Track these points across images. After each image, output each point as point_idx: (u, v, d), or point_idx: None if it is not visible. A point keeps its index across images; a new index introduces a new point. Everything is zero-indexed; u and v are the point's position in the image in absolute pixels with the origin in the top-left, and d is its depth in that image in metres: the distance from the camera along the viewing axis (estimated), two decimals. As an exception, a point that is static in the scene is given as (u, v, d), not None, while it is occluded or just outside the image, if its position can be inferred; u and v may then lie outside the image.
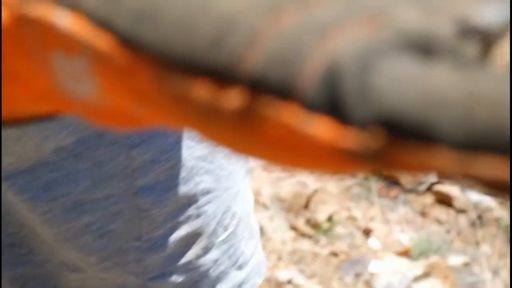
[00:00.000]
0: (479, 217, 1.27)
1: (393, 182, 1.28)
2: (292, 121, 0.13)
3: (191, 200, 0.46)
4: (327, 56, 0.13)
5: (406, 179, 1.28)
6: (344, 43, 0.13)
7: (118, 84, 0.16)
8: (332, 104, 0.13)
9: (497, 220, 1.28)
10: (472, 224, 1.26)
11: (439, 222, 1.27)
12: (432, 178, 1.26)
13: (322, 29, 0.14)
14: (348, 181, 1.28)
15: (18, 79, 0.19)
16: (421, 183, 1.28)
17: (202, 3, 0.15)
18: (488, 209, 1.28)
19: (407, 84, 0.12)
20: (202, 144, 0.45)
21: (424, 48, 0.13)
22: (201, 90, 0.14)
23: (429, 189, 1.28)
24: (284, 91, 0.13)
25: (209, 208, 0.48)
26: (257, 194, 1.24)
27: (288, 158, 0.15)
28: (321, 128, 0.13)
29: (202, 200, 0.47)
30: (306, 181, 1.27)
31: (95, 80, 0.16)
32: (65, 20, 0.16)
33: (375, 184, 1.26)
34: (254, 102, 0.14)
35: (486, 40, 0.13)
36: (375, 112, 0.12)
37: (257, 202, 1.24)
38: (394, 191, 1.27)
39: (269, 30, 0.14)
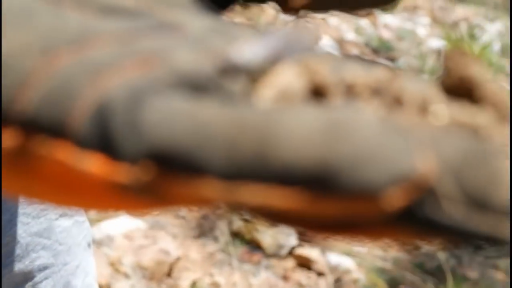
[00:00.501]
0: (338, 280, 1.30)
1: (255, 246, 1.30)
2: (66, 158, 0.13)
3: (27, 276, 0.44)
4: (98, 94, 0.13)
5: (268, 242, 1.30)
6: (116, 82, 0.13)
7: None
8: (103, 140, 0.13)
9: (355, 282, 1.32)
10: (332, 286, 1.29)
11: (300, 285, 1.29)
12: (292, 241, 1.30)
13: (95, 69, 0.14)
14: (211, 247, 1.28)
15: None
16: (282, 247, 1.30)
17: None
18: (347, 271, 1.32)
19: (176, 118, 0.12)
20: (39, 219, 0.44)
21: (192, 86, 0.13)
22: None
23: (290, 253, 1.30)
24: (56, 130, 0.13)
25: (47, 284, 0.46)
26: (117, 263, 1.20)
27: (68, 197, 0.15)
28: (94, 164, 0.13)
29: (38, 277, 0.45)
30: (169, 248, 1.25)
31: None
32: None
33: (238, 249, 1.27)
34: (28, 141, 0.13)
35: (250, 76, 0.14)
36: (144, 146, 0.12)
37: (118, 271, 1.20)
38: (256, 256, 1.28)
39: (42, 71, 0.14)
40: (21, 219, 0.44)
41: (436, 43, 1.83)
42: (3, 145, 0.14)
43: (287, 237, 1.31)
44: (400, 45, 1.82)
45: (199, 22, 0.17)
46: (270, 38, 0.15)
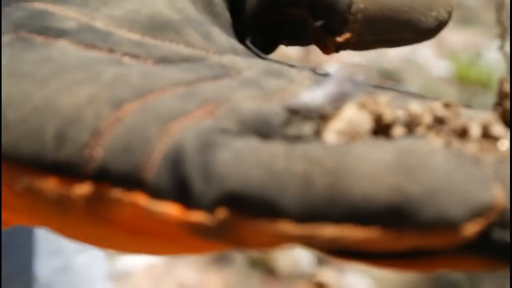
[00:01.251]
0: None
1: (273, 272, 1.29)
2: (140, 207, 0.13)
3: None
4: (169, 141, 0.13)
5: (285, 267, 1.30)
6: (185, 129, 0.13)
7: None
8: (177, 187, 0.13)
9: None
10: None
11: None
12: (310, 265, 1.29)
13: (163, 117, 0.13)
14: (230, 276, 1.27)
15: None
16: (299, 271, 1.30)
17: (44, 100, 0.14)
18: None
19: (247, 160, 0.12)
20: (58, 255, 0.43)
21: (258, 128, 0.13)
22: (52, 186, 0.14)
23: (307, 276, 1.30)
24: (129, 179, 0.13)
25: None
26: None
27: (139, 243, 0.14)
28: (169, 211, 0.13)
29: None
30: (188, 279, 1.25)
31: None
32: None
33: (256, 276, 1.26)
34: (100, 191, 0.13)
35: (315, 118, 0.14)
36: (218, 190, 0.12)
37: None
38: (274, 282, 1.27)
39: (111, 122, 0.14)
40: (39, 257, 0.43)
41: (443, 65, 1.84)
42: (76, 195, 0.14)
43: (304, 261, 1.31)
44: (406, 68, 1.83)
45: (253, 64, 0.17)
46: (329, 80, 0.15)
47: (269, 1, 0.20)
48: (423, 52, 1.87)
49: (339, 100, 0.14)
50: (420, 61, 1.86)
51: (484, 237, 0.12)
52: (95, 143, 0.13)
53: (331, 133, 0.13)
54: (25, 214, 0.16)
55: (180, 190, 0.12)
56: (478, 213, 0.11)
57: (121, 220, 0.14)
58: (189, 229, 0.13)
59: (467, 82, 1.73)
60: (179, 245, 0.14)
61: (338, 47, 0.20)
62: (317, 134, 0.13)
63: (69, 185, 0.13)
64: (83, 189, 0.13)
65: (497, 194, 0.12)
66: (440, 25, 0.20)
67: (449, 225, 0.11)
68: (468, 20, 2.02)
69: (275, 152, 0.12)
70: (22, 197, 0.14)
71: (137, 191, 0.13)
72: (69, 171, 0.13)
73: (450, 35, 1.89)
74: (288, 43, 0.22)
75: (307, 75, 0.17)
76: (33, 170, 0.14)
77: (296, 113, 0.14)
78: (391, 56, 1.83)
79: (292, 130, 0.14)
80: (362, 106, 0.14)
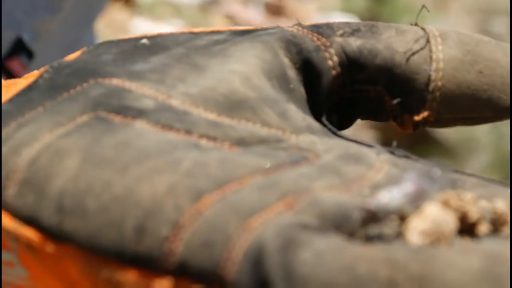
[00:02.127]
0: None
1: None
2: None
3: None
4: (250, 237, 0.13)
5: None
6: (265, 224, 0.13)
7: (46, 272, 0.15)
8: (258, 286, 0.12)
9: None
10: None
11: None
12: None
13: (243, 211, 0.13)
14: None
15: None
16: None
17: (124, 189, 0.14)
18: None
19: (329, 262, 0.12)
20: None
21: (340, 222, 0.13)
22: (132, 278, 0.14)
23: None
24: (209, 275, 0.13)
25: None
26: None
27: None
28: None
29: None
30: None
31: (24, 268, 0.16)
32: None
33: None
34: (179, 285, 0.13)
35: (397, 218, 0.13)
36: None
37: None
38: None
39: (191, 215, 0.13)
40: None
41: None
42: (146, 287, 0.13)
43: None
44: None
45: (331, 147, 0.16)
46: (407, 176, 0.14)
47: (345, 78, 0.20)
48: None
49: (418, 199, 0.14)
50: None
51: None
52: (175, 237, 0.13)
53: (415, 234, 0.13)
54: None
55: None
56: None
57: None
58: None
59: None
60: None
61: (416, 125, 0.19)
62: (399, 234, 0.13)
63: (149, 279, 0.13)
64: (163, 284, 0.13)
65: None
66: None
67: None
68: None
69: (358, 255, 0.12)
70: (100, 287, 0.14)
71: (216, 285, 0.13)
72: (149, 264, 0.13)
73: None
74: (364, 118, 0.21)
75: (386, 159, 0.16)
76: (114, 262, 0.14)
77: (376, 215, 0.13)
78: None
79: (373, 229, 0.13)
80: (446, 203, 0.13)
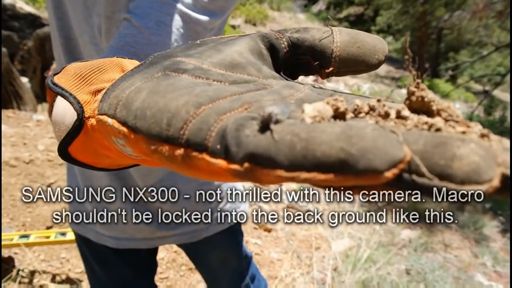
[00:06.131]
0: None
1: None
2: (207, 161, 0.19)
3: None
4: (221, 125, 0.19)
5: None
6: (230, 118, 0.19)
7: (134, 147, 0.23)
8: (223, 151, 0.18)
9: None
10: None
11: None
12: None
13: (221, 112, 0.19)
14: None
15: (108, 153, 0.29)
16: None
17: (163, 104, 0.21)
18: None
19: (258, 136, 0.17)
20: None
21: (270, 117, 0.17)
22: (165, 149, 0.20)
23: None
24: (201, 147, 0.19)
25: None
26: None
27: (207, 177, 0.20)
28: (220, 164, 0.18)
29: None
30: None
31: (128, 146, 0.24)
32: (110, 122, 0.24)
33: None
34: (188, 154, 0.19)
35: (301, 112, 0.18)
36: (243, 153, 0.17)
37: None
38: None
39: (193, 116, 0.20)
40: None
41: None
42: (177, 154, 0.20)
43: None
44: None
45: (279, 83, 0.25)
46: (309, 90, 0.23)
47: (291, 53, 0.31)
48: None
49: (314, 102, 0.20)
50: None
51: (398, 178, 0.15)
52: (186, 127, 0.20)
53: (307, 117, 0.18)
54: (152, 162, 0.24)
55: (225, 153, 0.18)
56: (394, 164, 0.15)
57: (199, 167, 0.19)
58: (230, 173, 0.18)
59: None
60: (223, 178, 0.19)
61: (327, 75, 0.31)
62: (302, 120, 0.18)
63: (173, 149, 0.20)
64: (179, 151, 0.20)
65: (406, 152, 0.15)
66: (380, 63, 0.30)
67: (375, 173, 0.15)
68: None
69: (274, 129, 0.16)
70: (152, 154, 0.21)
71: (204, 153, 0.19)
72: (173, 142, 0.20)
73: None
74: (302, 74, 0.33)
75: (308, 87, 0.26)
76: (157, 141, 0.20)
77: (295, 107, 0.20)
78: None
79: (291, 117, 0.19)
80: (327, 102, 0.19)
